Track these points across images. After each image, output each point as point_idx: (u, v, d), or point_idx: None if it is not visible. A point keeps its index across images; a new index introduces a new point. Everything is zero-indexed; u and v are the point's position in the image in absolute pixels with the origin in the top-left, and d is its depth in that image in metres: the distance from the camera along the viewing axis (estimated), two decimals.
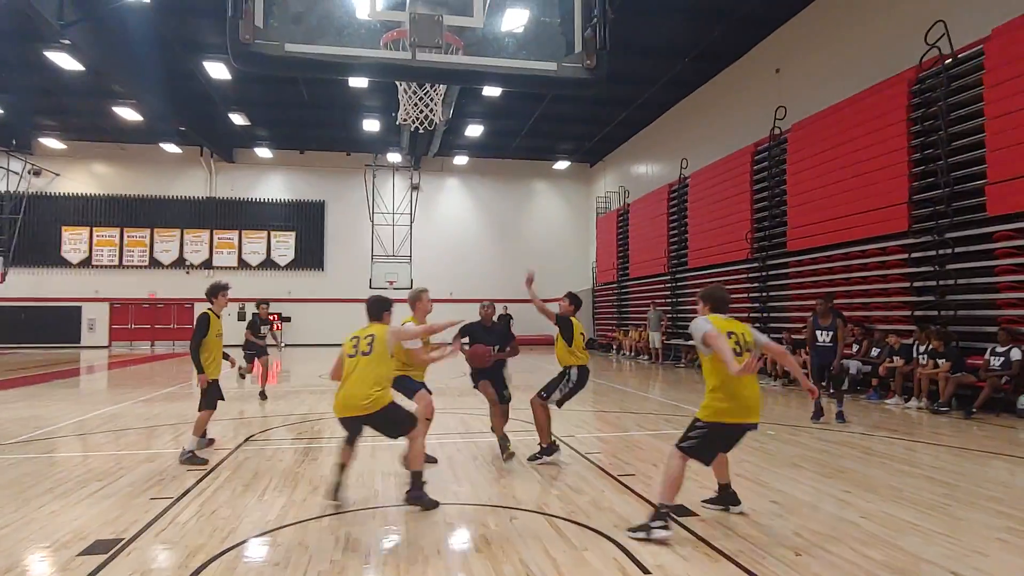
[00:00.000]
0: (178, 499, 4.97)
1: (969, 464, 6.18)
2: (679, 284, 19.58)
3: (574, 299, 6.44)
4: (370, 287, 25.08)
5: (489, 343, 6.10)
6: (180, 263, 27.47)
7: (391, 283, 24.39)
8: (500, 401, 6.28)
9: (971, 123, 9.95)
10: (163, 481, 5.51)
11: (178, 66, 18.23)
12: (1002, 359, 8.92)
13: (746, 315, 15.56)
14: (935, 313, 10.44)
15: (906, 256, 10.94)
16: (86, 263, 26.87)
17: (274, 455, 6.62)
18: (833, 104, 12.92)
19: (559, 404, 6.26)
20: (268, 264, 28.11)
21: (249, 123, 23.43)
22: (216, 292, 6.62)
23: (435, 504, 4.70)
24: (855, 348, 11.36)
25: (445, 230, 28.77)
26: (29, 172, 26.13)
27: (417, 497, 4.71)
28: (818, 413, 8.53)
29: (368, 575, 3.60)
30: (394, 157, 26.99)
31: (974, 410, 8.81)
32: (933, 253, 10.41)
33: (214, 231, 27.73)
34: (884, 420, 8.82)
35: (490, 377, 6.27)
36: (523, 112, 22.52)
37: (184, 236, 27.53)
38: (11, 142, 25.21)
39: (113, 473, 5.79)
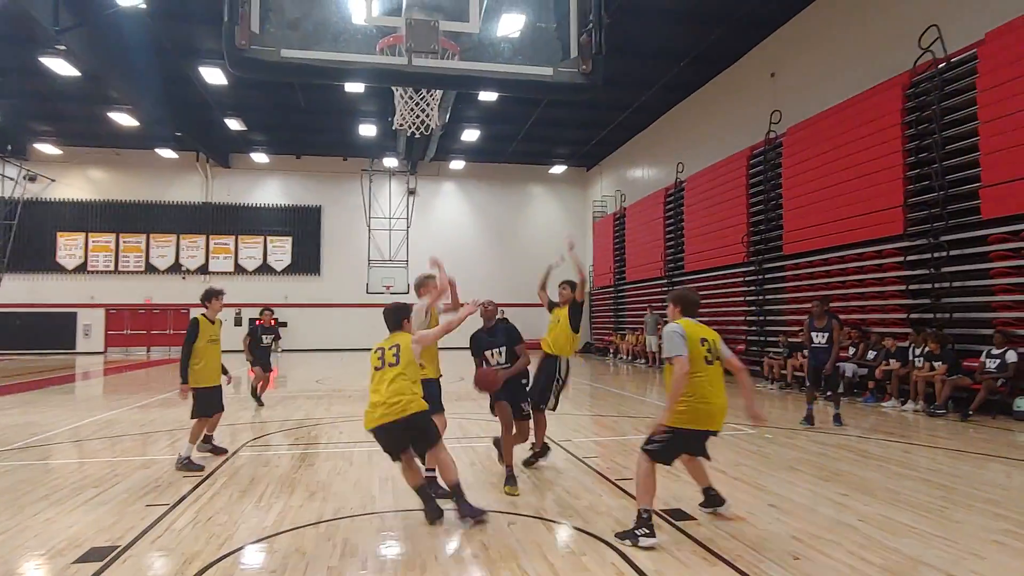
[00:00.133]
0: (174, 506, 4.95)
1: (966, 466, 6.19)
2: (675, 288, 19.53)
3: (573, 287, 6.69)
4: (367, 292, 25.12)
5: (495, 346, 5.80)
6: (176, 268, 27.39)
7: (388, 288, 24.36)
8: (516, 415, 5.70)
9: (965, 126, 10.01)
10: (159, 488, 5.49)
11: (174, 71, 18.23)
12: (998, 361, 8.94)
13: (742, 319, 15.60)
14: (931, 316, 10.48)
15: (902, 259, 10.98)
16: (81, 269, 26.76)
17: (271, 461, 6.59)
18: (828, 108, 12.99)
19: (554, 408, 6.25)
20: (264, 269, 28.04)
21: (245, 128, 23.43)
22: (210, 297, 6.63)
23: (483, 513, 4.52)
24: (851, 351, 11.38)
25: (442, 235, 28.74)
26: (24, 177, 26.04)
27: (470, 509, 4.48)
28: (809, 419, 8.54)
29: None
30: (390, 162, 26.97)
31: (970, 412, 8.83)
32: (928, 256, 10.45)
33: (210, 236, 27.66)
34: (880, 423, 8.84)
35: (507, 397, 5.65)
36: (519, 117, 22.57)
37: (180, 241, 27.46)
38: (6, 147, 25.13)
39: (109, 480, 5.77)
